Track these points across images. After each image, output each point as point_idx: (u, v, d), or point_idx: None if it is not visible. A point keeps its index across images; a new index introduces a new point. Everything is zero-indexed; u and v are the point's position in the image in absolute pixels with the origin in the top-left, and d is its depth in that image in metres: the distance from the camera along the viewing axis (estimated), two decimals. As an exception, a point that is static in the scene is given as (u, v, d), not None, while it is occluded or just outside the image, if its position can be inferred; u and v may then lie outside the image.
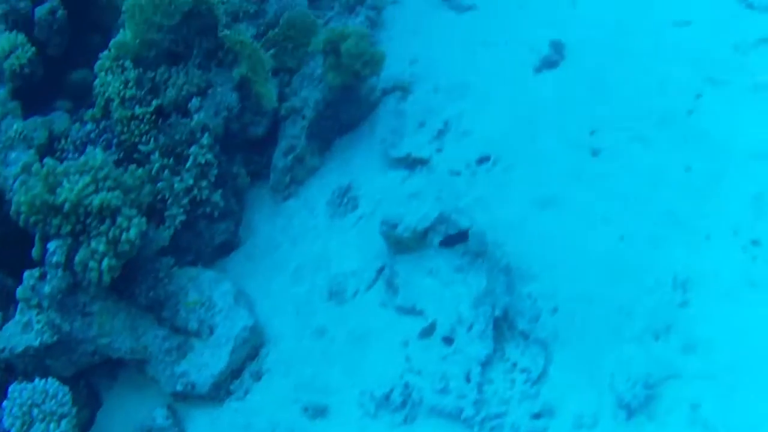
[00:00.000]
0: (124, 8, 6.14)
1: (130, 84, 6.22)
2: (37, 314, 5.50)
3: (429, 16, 8.48)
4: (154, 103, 6.27)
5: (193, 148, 6.20)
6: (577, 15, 7.48)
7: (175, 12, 6.18)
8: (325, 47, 6.61)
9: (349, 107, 7.22)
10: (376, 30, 8.65)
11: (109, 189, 5.53)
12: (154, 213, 6.15)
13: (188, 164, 6.18)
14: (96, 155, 5.66)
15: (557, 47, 6.81)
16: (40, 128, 6.31)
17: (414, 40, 8.21)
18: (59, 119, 6.61)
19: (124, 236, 5.41)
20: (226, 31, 6.31)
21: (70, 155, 6.05)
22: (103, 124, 6.41)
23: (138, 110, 6.21)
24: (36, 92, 6.37)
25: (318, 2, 9.28)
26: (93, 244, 5.39)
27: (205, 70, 6.60)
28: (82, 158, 5.65)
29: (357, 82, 6.84)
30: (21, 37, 6.35)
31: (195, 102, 6.40)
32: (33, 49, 6.37)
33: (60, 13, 6.60)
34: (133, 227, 5.46)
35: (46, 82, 6.52)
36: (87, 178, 5.46)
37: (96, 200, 5.39)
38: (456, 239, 5.67)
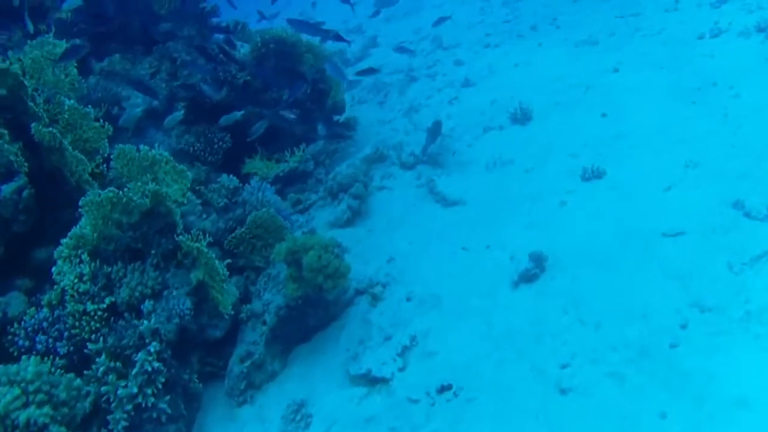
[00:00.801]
0: (81, 203, 6.05)
1: (85, 278, 6.08)
2: None
3: (414, 209, 8.29)
4: (107, 300, 6.10)
5: (140, 354, 5.92)
6: (564, 217, 7.31)
7: (134, 210, 6.12)
8: (287, 258, 6.21)
9: (316, 311, 6.92)
10: (359, 219, 8.64)
11: (39, 404, 5.28)
12: (99, 413, 5.86)
13: (135, 370, 5.87)
14: (29, 367, 5.41)
15: (537, 260, 6.40)
16: (-7, 311, 6.00)
17: (395, 234, 8.07)
18: (15, 301, 6.40)
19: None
20: (182, 237, 6.16)
21: (20, 342, 6.03)
22: (57, 312, 6.17)
23: (90, 306, 6.04)
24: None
25: (303, 184, 9.04)
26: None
27: (162, 270, 6.40)
28: (14, 367, 5.41)
29: (320, 294, 6.52)
30: (-25, 218, 6.09)
31: (148, 305, 6.17)
32: (-12, 230, 6.10)
33: (26, 192, 6.46)
34: (58, 447, 4.98)
35: (10, 258, 6.53)
36: (16, 391, 5.22)
37: (23, 416, 5.15)
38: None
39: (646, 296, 5.87)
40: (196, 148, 8.83)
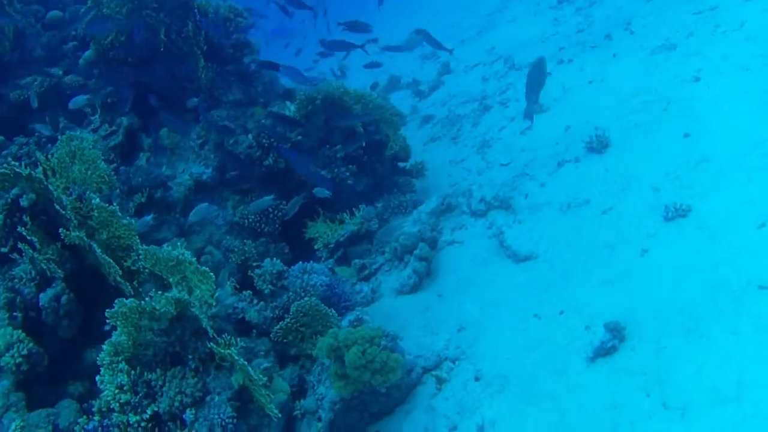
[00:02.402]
0: (107, 315, 5.83)
1: (125, 388, 5.86)
2: None
3: (484, 266, 7.80)
4: (150, 410, 5.83)
5: (187, 468, 5.54)
6: (645, 270, 6.54)
7: (162, 317, 5.87)
8: (329, 355, 5.78)
9: (377, 398, 6.46)
10: (427, 281, 8.23)
11: None
12: None
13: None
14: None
15: (615, 330, 5.79)
16: (43, 424, 6.00)
17: (465, 297, 7.63)
18: (65, 411, 6.22)
19: None
20: (213, 344, 5.85)
21: (70, 457, 5.73)
22: (106, 421, 5.92)
23: (132, 418, 5.80)
24: (46, 377, 6.25)
25: (369, 245, 9.08)
26: None
27: (202, 374, 6.10)
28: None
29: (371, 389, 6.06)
30: (17, 334, 6.15)
31: (189, 414, 5.90)
32: (30, 345, 6.15)
33: (65, 298, 6.40)
34: None
35: (60, 364, 6.45)
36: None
37: None
38: None
39: (738, 370, 4.99)
40: (251, 220, 8.71)
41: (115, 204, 6.93)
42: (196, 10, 9.46)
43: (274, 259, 7.90)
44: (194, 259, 6.22)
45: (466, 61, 15.21)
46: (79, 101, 8.90)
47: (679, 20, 10.63)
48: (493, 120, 11.34)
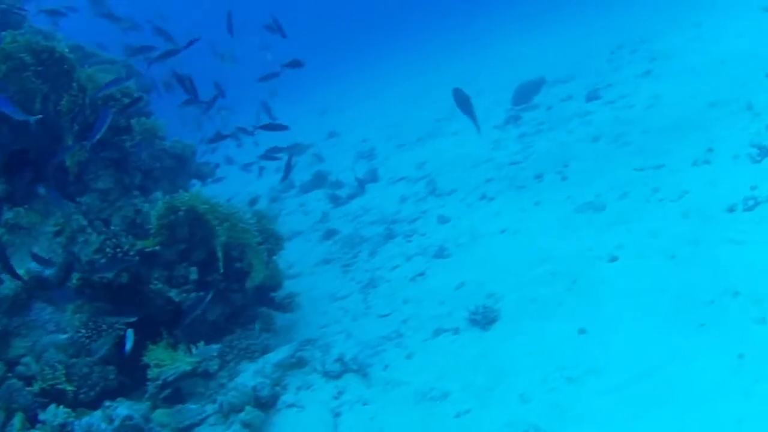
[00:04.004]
0: None
1: None
2: None
3: None
4: None
5: None
6: None
7: None
8: None
9: None
10: None
11: None
12: None
13: None
14: None
15: None
16: None
17: None
18: None
19: None
20: None
21: None
22: None
23: None
24: None
25: (203, 389, 7.91)
26: None
27: None
28: None
29: None
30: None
31: None
32: None
33: None
34: None
35: None
36: None
37: None
38: None
39: None
40: (81, 333, 7.51)
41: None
42: (75, 84, 8.31)
43: (59, 407, 6.73)
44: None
45: (395, 171, 13.94)
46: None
47: (618, 174, 9.50)
48: (391, 254, 10.11)
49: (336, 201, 13.67)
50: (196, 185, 11.70)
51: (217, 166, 12.59)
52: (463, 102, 7.45)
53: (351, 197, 13.62)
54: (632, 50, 15.96)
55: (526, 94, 14.52)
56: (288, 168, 9.46)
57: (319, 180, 15.56)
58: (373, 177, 14.26)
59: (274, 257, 9.10)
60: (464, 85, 15.93)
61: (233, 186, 16.31)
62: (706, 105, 10.57)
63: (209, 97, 12.06)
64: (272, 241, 9.04)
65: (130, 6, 14.74)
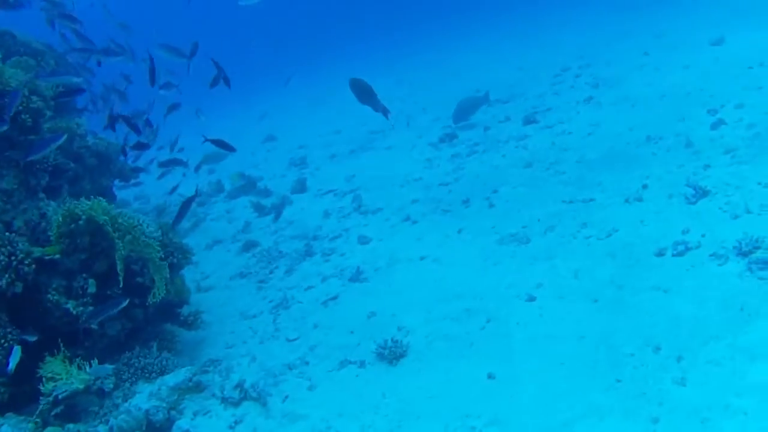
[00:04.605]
0: None
1: None
2: None
3: None
4: None
5: None
6: None
7: None
8: None
9: None
10: None
11: None
12: None
13: None
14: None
15: None
16: None
17: None
18: None
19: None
20: None
21: None
22: None
23: None
24: None
25: (97, 407, 7.30)
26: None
27: None
28: None
29: None
30: None
31: None
32: None
33: None
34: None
35: None
36: None
37: None
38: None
39: None
40: None
41: None
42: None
43: None
44: None
45: (324, 183, 13.27)
46: None
47: (547, 204, 9.01)
48: (308, 273, 9.48)
49: (260, 211, 12.95)
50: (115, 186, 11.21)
51: (142, 169, 12.00)
52: (363, 92, 6.91)
53: (276, 207, 12.92)
54: (576, 74, 15.57)
55: (465, 112, 13.99)
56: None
57: (250, 186, 14.85)
58: (301, 187, 13.60)
59: (182, 272, 8.62)
60: (409, 97, 15.56)
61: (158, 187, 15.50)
62: (645, 138, 10.14)
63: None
64: (178, 255, 8.51)
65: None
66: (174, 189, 12.91)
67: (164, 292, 7.89)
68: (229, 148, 9.19)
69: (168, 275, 7.95)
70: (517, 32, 23.65)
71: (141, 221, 7.86)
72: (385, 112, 6.95)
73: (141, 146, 10.23)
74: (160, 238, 8.01)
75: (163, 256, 7.86)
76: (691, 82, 12.13)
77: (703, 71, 12.56)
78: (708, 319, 6.10)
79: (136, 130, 9.77)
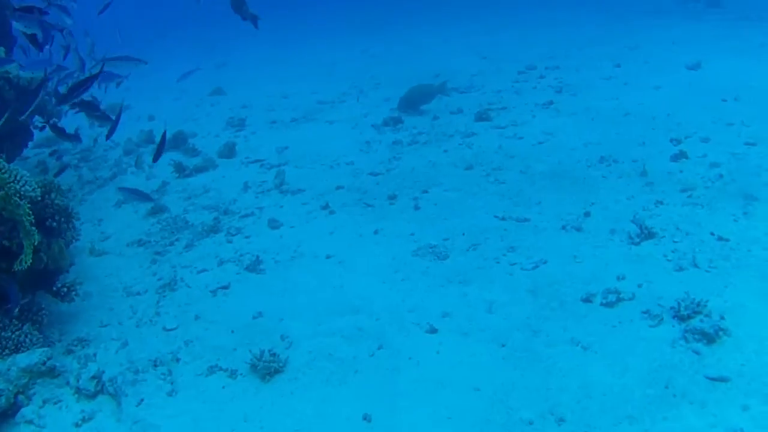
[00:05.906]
0: None
1: None
2: None
3: None
4: None
5: None
6: None
7: None
8: None
9: None
10: None
11: None
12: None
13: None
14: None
15: None
16: None
17: None
18: None
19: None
20: None
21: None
22: None
23: None
24: None
25: None
26: None
27: None
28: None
29: None
30: None
31: None
32: None
33: None
34: None
35: None
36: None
37: None
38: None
39: None
40: None
41: None
42: None
43: None
44: None
45: (254, 151, 12.05)
46: None
47: (477, 216, 8.20)
48: (206, 252, 8.42)
49: (181, 171, 11.68)
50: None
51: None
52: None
53: (199, 170, 11.69)
54: (541, 75, 14.47)
55: (414, 102, 12.78)
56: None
57: (180, 141, 13.54)
58: (230, 151, 12.36)
59: (61, 238, 7.57)
60: (368, 69, 14.40)
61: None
62: (598, 158, 9.11)
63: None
64: (59, 218, 7.57)
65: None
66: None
67: (31, 260, 6.81)
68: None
69: (41, 240, 6.95)
70: (495, 24, 22.49)
71: (19, 176, 6.86)
72: (254, 20, 7.13)
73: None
74: (39, 198, 7.05)
75: (33, 220, 6.75)
76: (659, 104, 11.15)
77: (673, 95, 11.60)
78: (626, 394, 5.10)
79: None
